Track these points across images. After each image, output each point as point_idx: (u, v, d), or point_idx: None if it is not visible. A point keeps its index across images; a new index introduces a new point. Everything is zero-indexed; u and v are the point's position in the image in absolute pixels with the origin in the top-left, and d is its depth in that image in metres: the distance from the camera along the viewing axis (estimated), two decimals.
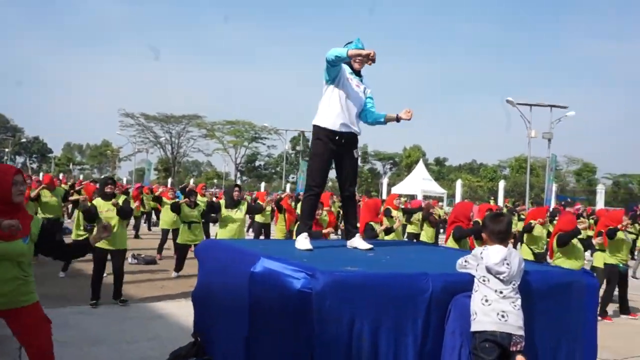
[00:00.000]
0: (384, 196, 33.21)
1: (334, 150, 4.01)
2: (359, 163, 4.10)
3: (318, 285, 2.51)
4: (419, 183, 34.73)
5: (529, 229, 8.63)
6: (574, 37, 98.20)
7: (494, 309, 2.80)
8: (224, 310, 3.36)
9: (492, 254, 2.90)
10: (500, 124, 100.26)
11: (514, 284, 2.88)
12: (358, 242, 4.14)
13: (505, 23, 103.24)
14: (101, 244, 6.47)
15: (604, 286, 7.93)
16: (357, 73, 4.11)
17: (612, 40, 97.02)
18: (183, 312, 6.10)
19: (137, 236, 14.85)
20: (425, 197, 29.97)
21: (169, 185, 26.64)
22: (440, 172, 65.51)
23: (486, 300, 2.83)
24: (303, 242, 3.96)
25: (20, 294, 3.12)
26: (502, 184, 38.02)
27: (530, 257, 8.27)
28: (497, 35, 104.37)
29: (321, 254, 3.84)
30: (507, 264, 2.87)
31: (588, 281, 3.44)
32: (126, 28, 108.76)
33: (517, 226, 12.51)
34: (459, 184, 39.52)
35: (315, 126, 4.04)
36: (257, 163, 74.06)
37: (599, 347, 6.03)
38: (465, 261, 3.04)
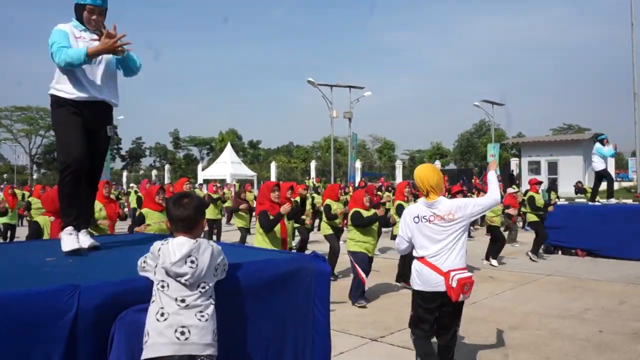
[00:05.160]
0: (201, 181, 31.93)
1: (80, 122, 3.16)
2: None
3: None
4: (228, 167, 33.95)
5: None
6: (370, 25, 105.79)
7: (171, 325, 2.08)
8: None
9: (172, 250, 2.17)
10: (313, 107, 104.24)
11: (203, 288, 2.19)
12: (81, 238, 3.23)
13: (308, 8, 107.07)
14: None
15: None
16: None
17: (406, 30, 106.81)
18: None
19: None
20: (237, 181, 29.52)
21: None
22: (255, 155, 65.72)
23: (162, 315, 2.10)
24: (68, 240, 3.06)
25: None
26: (313, 164, 39.56)
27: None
28: (300, 20, 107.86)
29: None
30: (192, 262, 2.16)
31: (318, 266, 2.95)
32: None
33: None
34: (273, 165, 40.01)
35: (52, 96, 3.22)
36: None
37: (367, 323, 6.00)
38: (144, 261, 2.28)
